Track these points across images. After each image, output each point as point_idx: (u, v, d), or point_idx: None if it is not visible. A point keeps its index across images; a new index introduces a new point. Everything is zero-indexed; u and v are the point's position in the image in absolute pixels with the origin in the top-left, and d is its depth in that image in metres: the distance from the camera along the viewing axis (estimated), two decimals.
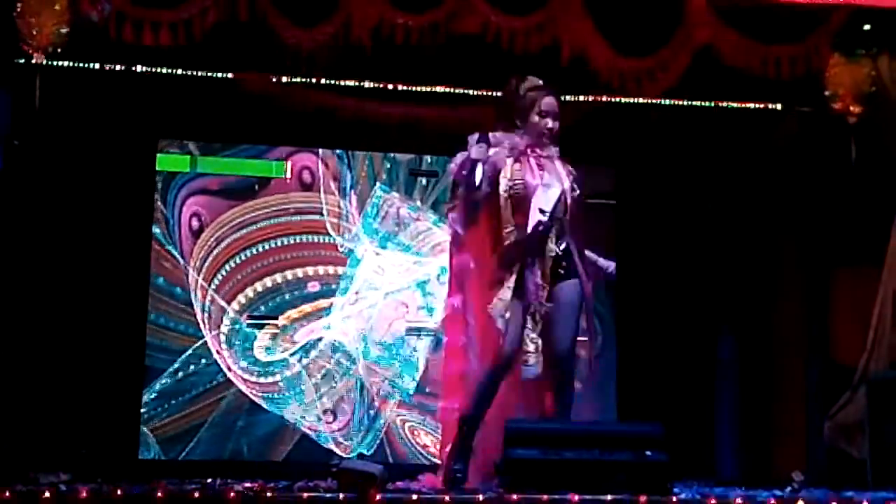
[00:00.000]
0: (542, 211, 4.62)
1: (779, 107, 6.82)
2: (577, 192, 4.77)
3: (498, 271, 4.67)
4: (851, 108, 6.07)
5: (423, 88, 6.69)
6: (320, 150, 7.12)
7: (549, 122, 4.73)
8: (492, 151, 4.68)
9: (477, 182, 4.62)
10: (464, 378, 4.72)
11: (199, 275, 6.90)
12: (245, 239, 6.98)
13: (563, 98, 4.90)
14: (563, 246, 4.71)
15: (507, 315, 4.58)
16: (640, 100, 6.37)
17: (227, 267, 6.94)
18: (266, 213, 7.02)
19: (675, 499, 4.23)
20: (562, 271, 4.71)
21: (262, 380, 6.88)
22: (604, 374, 7.15)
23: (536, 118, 4.74)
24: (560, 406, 4.67)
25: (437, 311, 7.01)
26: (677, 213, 7.13)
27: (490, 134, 4.73)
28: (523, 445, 4.29)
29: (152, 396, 6.74)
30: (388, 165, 7.16)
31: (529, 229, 4.61)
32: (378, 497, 4.04)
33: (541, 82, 4.84)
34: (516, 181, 4.68)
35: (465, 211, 4.71)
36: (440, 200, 7.03)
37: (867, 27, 6.03)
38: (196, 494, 4.11)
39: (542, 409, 4.71)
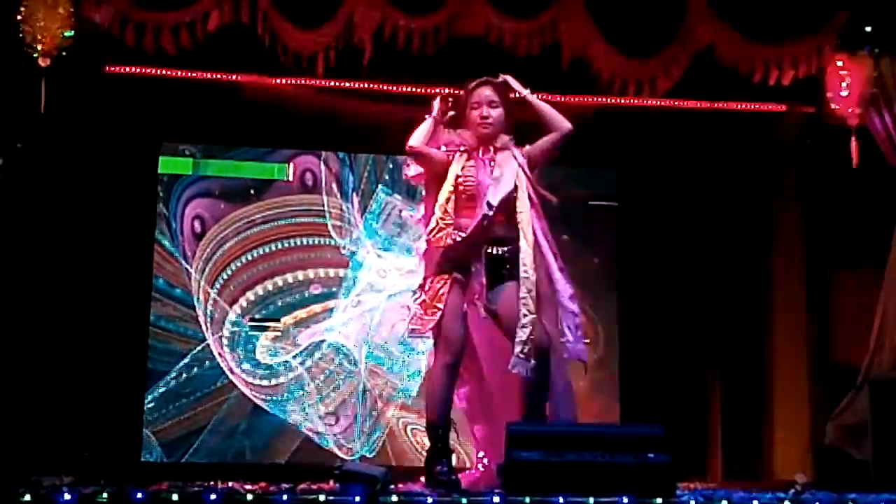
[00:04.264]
0: (488, 204, 4.59)
1: (780, 108, 6.82)
2: (527, 176, 4.71)
3: (437, 268, 4.65)
4: (852, 110, 6.07)
5: (425, 90, 6.70)
6: (322, 153, 7.12)
7: (484, 111, 4.71)
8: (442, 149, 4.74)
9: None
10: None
11: (201, 277, 6.90)
12: (247, 241, 6.98)
13: (505, 90, 4.78)
14: (506, 248, 4.65)
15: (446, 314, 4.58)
16: (642, 101, 6.38)
17: (229, 269, 6.94)
18: (268, 215, 7.02)
19: (677, 501, 4.23)
20: (504, 272, 4.66)
21: (264, 382, 6.88)
22: (606, 375, 7.16)
23: (469, 111, 4.75)
24: (528, 407, 4.64)
25: None
26: (679, 214, 7.13)
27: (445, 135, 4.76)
28: (526, 448, 4.29)
29: (155, 399, 6.74)
30: (391, 168, 7.16)
31: (474, 224, 4.59)
32: (380, 500, 4.04)
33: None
34: (468, 177, 4.68)
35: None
36: None
37: (868, 29, 6.03)
38: (199, 497, 4.10)
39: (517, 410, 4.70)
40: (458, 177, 4.67)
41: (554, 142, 4.72)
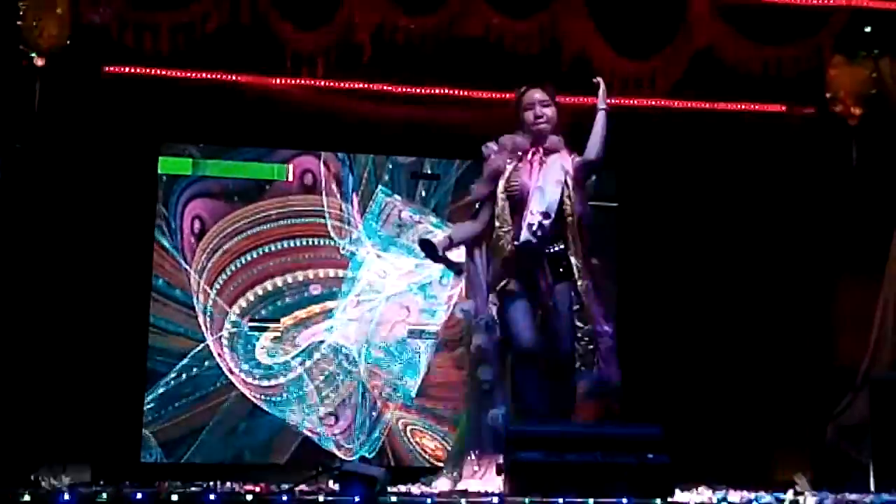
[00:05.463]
0: (541, 213, 4.69)
1: (781, 109, 6.82)
2: (578, 180, 4.78)
3: (501, 274, 4.75)
4: (852, 111, 6.06)
5: (425, 91, 6.70)
6: (322, 153, 7.12)
7: (538, 110, 4.82)
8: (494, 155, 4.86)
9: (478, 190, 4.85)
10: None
11: (200, 278, 6.90)
12: (247, 242, 6.97)
13: (554, 92, 4.89)
14: (559, 247, 4.75)
15: (516, 315, 4.68)
16: (642, 102, 6.37)
17: (228, 270, 6.94)
18: (268, 216, 7.01)
19: (677, 501, 4.23)
20: (561, 270, 4.76)
21: (263, 383, 6.88)
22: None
23: (523, 114, 4.85)
24: (564, 403, 4.73)
25: (439, 313, 7.01)
26: (679, 215, 7.13)
27: (500, 139, 4.85)
28: (526, 448, 4.29)
29: (154, 399, 6.74)
30: (390, 168, 7.15)
31: (525, 232, 4.67)
32: (380, 500, 4.04)
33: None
34: (513, 183, 4.78)
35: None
36: (442, 203, 7.03)
37: (868, 29, 6.02)
38: (198, 497, 4.11)
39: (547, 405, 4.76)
40: (506, 181, 4.78)
41: (583, 166, 4.82)
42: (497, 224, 4.78)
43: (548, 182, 4.74)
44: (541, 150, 4.82)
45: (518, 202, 4.75)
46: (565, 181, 4.76)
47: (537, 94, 4.84)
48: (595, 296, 4.80)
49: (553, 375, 4.76)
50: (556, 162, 4.80)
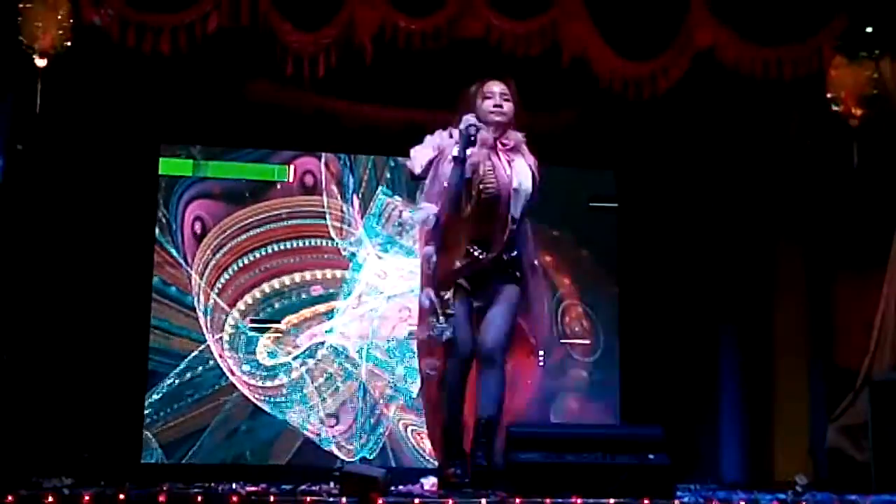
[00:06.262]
0: (512, 219, 4.61)
1: (781, 110, 6.82)
2: (534, 187, 4.69)
3: (452, 276, 4.65)
4: (853, 111, 6.06)
5: (426, 92, 6.70)
6: (323, 154, 7.13)
7: (497, 100, 4.73)
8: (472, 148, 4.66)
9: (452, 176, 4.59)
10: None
11: (201, 278, 6.91)
12: (247, 243, 6.99)
13: (515, 88, 4.83)
14: (513, 253, 4.66)
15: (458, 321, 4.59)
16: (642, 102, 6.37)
17: (229, 271, 6.95)
18: (268, 216, 7.02)
19: (677, 502, 4.23)
20: (508, 273, 4.67)
21: (264, 383, 6.89)
22: (607, 376, 7.17)
23: (482, 103, 4.74)
24: (487, 398, 4.58)
25: None
26: (679, 215, 7.13)
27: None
28: (526, 449, 4.29)
29: (155, 400, 6.75)
30: (391, 169, 7.16)
31: (495, 239, 4.60)
32: (381, 501, 4.04)
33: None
34: (489, 184, 4.63)
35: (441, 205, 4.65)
36: None
37: (869, 30, 6.02)
38: (199, 498, 4.11)
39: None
40: (481, 181, 4.61)
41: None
42: (459, 226, 4.62)
43: (522, 185, 4.65)
44: (501, 145, 4.71)
45: (492, 205, 4.61)
46: (533, 183, 4.68)
47: (498, 87, 4.76)
48: (537, 294, 4.77)
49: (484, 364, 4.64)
50: (521, 164, 4.71)
